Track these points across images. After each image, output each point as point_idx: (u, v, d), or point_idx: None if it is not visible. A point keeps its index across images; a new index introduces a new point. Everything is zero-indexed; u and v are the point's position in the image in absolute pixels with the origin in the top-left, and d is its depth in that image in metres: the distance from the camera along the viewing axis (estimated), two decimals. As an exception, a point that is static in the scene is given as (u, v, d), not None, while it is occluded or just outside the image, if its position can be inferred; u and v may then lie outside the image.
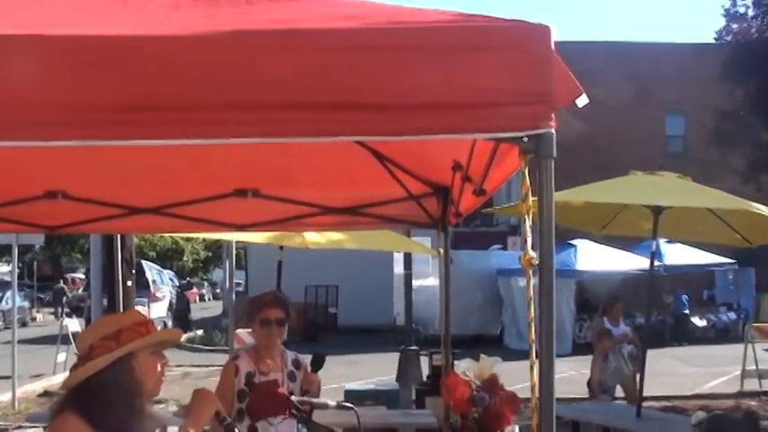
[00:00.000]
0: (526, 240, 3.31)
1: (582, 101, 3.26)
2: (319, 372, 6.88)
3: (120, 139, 3.35)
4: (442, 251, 7.77)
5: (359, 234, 12.80)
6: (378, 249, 16.26)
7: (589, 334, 33.59)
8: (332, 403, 4.79)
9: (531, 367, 3.45)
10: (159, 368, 4.12)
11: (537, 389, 3.44)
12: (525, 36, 3.26)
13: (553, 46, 3.21)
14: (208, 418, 4.14)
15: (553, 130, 3.22)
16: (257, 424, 6.67)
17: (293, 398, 4.74)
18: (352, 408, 4.78)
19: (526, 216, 3.30)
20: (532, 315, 3.43)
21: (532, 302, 3.45)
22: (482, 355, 5.69)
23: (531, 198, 3.29)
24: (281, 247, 13.38)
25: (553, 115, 3.22)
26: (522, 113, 3.21)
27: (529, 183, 3.30)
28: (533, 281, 3.45)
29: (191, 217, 7.88)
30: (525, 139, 3.24)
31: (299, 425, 6.99)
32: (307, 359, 7.28)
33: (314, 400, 4.82)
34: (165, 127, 3.31)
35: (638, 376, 13.32)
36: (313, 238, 12.29)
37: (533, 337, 3.43)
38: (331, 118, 3.22)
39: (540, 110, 3.22)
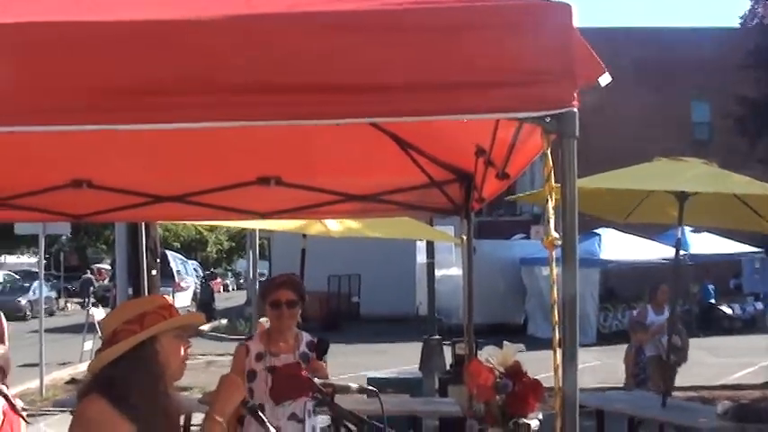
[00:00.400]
0: (549, 221, 3.29)
1: (605, 79, 3.24)
2: (333, 360, 6.89)
3: (138, 122, 3.33)
4: (465, 238, 7.76)
5: (382, 222, 12.78)
6: (400, 238, 16.23)
7: (614, 323, 33.72)
8: (354, 386, 4.79)
9: (554, 350, 3.44)
10: (182, 351, 4.16)
11: (560, 372, 3.43)
12: (547, 14, 3.23)
13: (575, 24, 3.19)
14: (234, 406, 4.16)
15: (576, 109, 3.21)
16: (266, 404, 6.68)
17: (316, 380, 4.74)
18: (375, 391, 4.79)
19: (549, 197, 3.29)
20: (555, 296, 3.42)
21: (555, 285, 3.44)
22: (505, 343, 5.68)
23: (553, 179, 3.28)
24: (304, 236, 13.37)
25: (575, 94, 3.20)
26: (544, 93, 3.19)
27: (551, 164, 3.28)
28: (557, 269, 3.44)
29: (214, 205, 7.89)
30: (548, 119, 3.22)
31: (313, 408, 7.02)
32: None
33: (336, 383, 4.81)
34: (181, 111, 3.29)
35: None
36: (335, 226, 12.29)
37: (556, 320, 3.42)
38: (352, 100, 3.21)
39: (563, 89, 3.19)
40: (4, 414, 7.21)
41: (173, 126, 3.36)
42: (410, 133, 6.58)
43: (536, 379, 5.52)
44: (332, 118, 3.35)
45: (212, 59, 3.24)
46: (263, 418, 4.31)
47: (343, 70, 3.21)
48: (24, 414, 7.54)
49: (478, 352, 6.70)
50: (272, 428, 4.34)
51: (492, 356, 5.62)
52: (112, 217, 8.53)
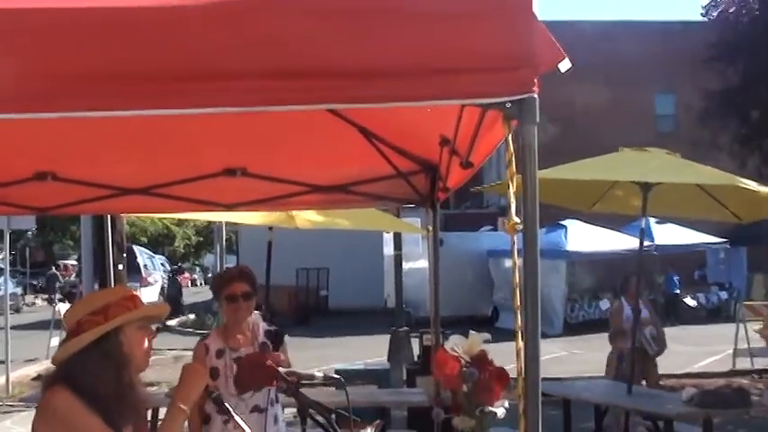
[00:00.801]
0: (510, 207, 3.32)
1: (564, 65, 3.27)
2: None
3: (108, 109, 3.33)
4: (431, 229, 7.78)
5: (349, 214, 12.80)
6: (368, 230, 16.26)
7: (581, 314, 33.85)
8: (319, 375, 4.82)
9: (516, 335, 3.47)
10: (147, 342, 4.17)
11: (522, 359, 3.46)
12: (507, 1, 3.26)
13: (535, 11, 3.21)
14: (198, 393, 4.18)
15: (536, 95, 3.23)
16: (226, 399, 6.67)
17: (280, 369, 4.75)
18: (340, 379, 4.80)
19: (510, 183, 3.32)
20: (516, 282, 3.46)
21: (517, 272, 3.47)
22: (471, 332, 5.69)
23: (514, 165, 3.30)
24: (271, 228, 13.36)
25: (536, 80, 3.22)
26: (504, 78, 3.20)
27: (513, 150, 3.31)
28: (519, 262, 3.47)
29: (180, 197, 7.87)
30: (508, 105, 3.23)
31: (276, 396, 7.02)
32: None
33: (300, 371, 4.82)
34: (136, 98, 3.29)
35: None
36: (303, 217, 12.29)
37: (518, 304, 3.46)
38: (313, 85, 3.21)
39: (523, 75, 3.20)
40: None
41: (127, 113, 3.35)
42: (376, 124, 6.60)
43: (502, 367, 5.54)
44: (290, 104, 3.34)
45: (170, 46, 3.25)
46: (228, 407, 4.32)
47: (301, 55, 3.21)
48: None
49: (445, 342, 6.74)
50: (237, 417, 4.34)
51: (458, 345, 5.64)
52: (78, 209, 8.49)
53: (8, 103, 3.26)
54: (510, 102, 3.23)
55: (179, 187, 7.69)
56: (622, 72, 44.20)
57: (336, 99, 3.31)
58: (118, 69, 3.24)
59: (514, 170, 3.31)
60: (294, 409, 6.36)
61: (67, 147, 6.81)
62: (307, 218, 12.32)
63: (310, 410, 4.77)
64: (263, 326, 7.27)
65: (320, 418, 4.80)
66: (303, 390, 4.99)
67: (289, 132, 6.73)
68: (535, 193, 3.28)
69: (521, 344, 3.45)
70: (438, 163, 6.67)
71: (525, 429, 3.49)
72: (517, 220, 3.31)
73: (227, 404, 4.34)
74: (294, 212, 11.87)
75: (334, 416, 4.77)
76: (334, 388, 8.11)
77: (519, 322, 3.46)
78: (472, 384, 5.44)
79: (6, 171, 7.29)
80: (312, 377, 4.76)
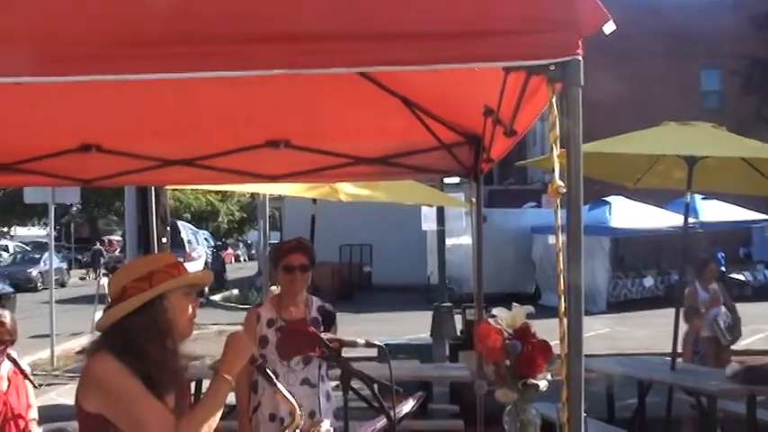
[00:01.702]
0: (554, 170, 3.29)
1: (609, 27, 3.23)
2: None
3: (138, 72, 3.32)
4: (474, 201, 7.76)
5: (393, 187, 12.79)
6: (411, 206, 16.18)
7: (624, 292, 33.70)
8: (361, 341, 4.79)
9: (560, 319, 3.45)
10: (191, 309, 4.17)
11: (566, 337, 3.44)
12: (551, -37, 3.24)
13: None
14: (242, 363, 4.18)
15: (580, 58, 3.20)
16: (278, 370, 6.69)
17: (323, 335, 4.75)
18: (382, 345, 4.79)
19: (554, 145, 3.29)
20: (561, 265, 3.43)
21: (561, 253, 3.45)
22: (514, 304, 5.67)
23: (558, 129, 3.27)
24: (314, 201, 13.33)
25: (580, 42, 3.19)
26: (548, 41, 3.18)
27: (557, 113, 3.28)
28: (562, 238, 3.45)
29: (223, 168, 7.90)
30: (552, 68, 3.21)
31: (325, 370, 7.04)
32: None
33: (343, 338, 4.81)
34: (184, 60, 3.28)
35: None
36: (346, 190, 12.27)
37: (562, 288, 3.43)
38: (356, 48, 3.20)
39: (567, 37, 3.18)
40: (9, 379, 7.27)
41: (156, 76, 3.34)
42: (419, 95, 6.59)
43: (544, 340, 5.52)
44: (333, 66, 3.32)
45: (201, 8, 3.25)
46: (273, 376, 4.32)
47: (343, 17, 3.20)
48: (33, 379, 7.60)
49: (488, 317, 6.72)
50: (282, 387, 4.34)
51: (501, 318, 5.62)
52: (121, 181, 8.53)
53: (51, 66, 3.26)
54: (554, 64, 3.21)
55: (222, 159, 7.72)
56: (669, 47, 43.86)
57: (381, 61, 3.28)
58: (142, 33, 3.24)
59: (558, 133, 3.28)
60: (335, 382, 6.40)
61: (111, 119, 6.87)
62: (350, 191, 12.30)
63: (351, 383, 4.77)
64: (316, 301, 7.29)
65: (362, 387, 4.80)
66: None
67: (332, 104, 6.75)
68: (579, 158, 3.25)
69: (564, 329, 3.42)
70: (482, 134, 6.64)
71: (567, 399, 3.47)
72: (561, 183, 3.28)
73: (270, 373, 4.33)
74: (337, 185, 11.85)
75: (376, 386, 4.76)
76: (377, 362, 8.15)
77: (562, 306, 3.43)
78: (515, 357, 5.42)
79: (51, 143, 7.37)
80: (354, 343, 4.75)
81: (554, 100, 3.30)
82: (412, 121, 6.87)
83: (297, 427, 4.29)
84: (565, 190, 3.26)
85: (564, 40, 3.18)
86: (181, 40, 3.25)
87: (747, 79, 32.70)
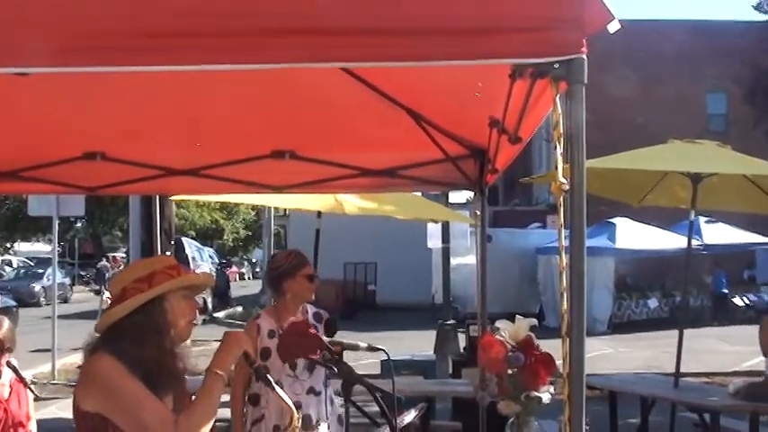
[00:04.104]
0: (557, 167, 3.29)
1: (613, 26, 3.23)
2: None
3: (149, 64, 3.32)
4: (479, 213, 7.77)
5: (398, 202, 12.78)
6: (417, 220, 16.13)
7: (628, 313, 33.66)
8: (363, 345, 4.79)
9: (563, 339, 3.44)
10: (191, 312, 4.17)
11: (568, 356, 3.43)
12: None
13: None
14: (234, 360, 4.14)
15: (584, 56, 3.20)
16: (283, 380, 6.71)
17: (324, 338, 4.74)
18: (383, 349, 4.78)
19: (557, 143, 3.29)
20: (564, 285, 3.42)
21: (564, 273, 3.44)
22: (518, 316, 5.68)
23: (561, 127, 3.27)
24: (319, 215, 13.30)
25: (584, 41, 3.19)
26: (553, 39, 3.18)
27: (560, 111, 3.28)
28: (566, 259, 3.44)
29: (228, 178, 7.92)
30: (556, 66, 3.21)
31: (328, 378, 7.03)
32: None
33: (345, 341, 4.80)
34: (185, 52, 3.28)
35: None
36: (351, 203, 12.25)
37: (565, 308, 3.43)
38: (361, 43, 3.20)
39: (571, 35, 3.18)
40: (11, 387, 7.26)
41: (163, 68, 3.33)
42: (425, 107, 6.60)
43: (548, 353, 5.51)
44: (332, 61, 3.34)
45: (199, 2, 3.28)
46: (270, 379, 4.30)
47: (345, 13, 3.20)
48: (33, 387, 7.58)
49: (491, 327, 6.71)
50: (279, 390, 4.33)
51: (504, 330, 5.62)
52: (126, 190, 8.54)
53: (62, 57, 3.26)
54: (558, 62, 3.21)
55: (227, 169, 7.74)
56: (673, 70, 43.86)
57: (384, 57, 3.29)
58: (148, 25, 3.25)
59: (561, 131, 3.28)
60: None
61: (117, 127, 6.88)
62: (355, 204, 12.30)
63: (353, 398, 4.75)
64: (310, 308, 7.28)
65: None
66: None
67: (337, 115, 6.76)
68: (582, 157, 3.25)
69: (567, 349, 3.41)
70: (487, 146, 6.65)
71: (569, 419, 3.45)
72: (564, 180, 3.27)
73: (268, 376, 4.32)
74: (343, 199, 11.84)
75: (379, 394, 4.75)
76: (379, 378, 8.14)
77: (566, 323, 3.43)
78: (518, 369, 5.41)
79: (56, 150, 7.38)
80: (356, 346, 4.75)
81: (557, 99, 3.30)
82: (417, 133, 6.88)
83: (295, 430, 4.27)
84: (567, 187, 3.26)
85: (568, 39, 3.18)
86: (173, 33, 3.24)
87: (753, 102, 32.69)
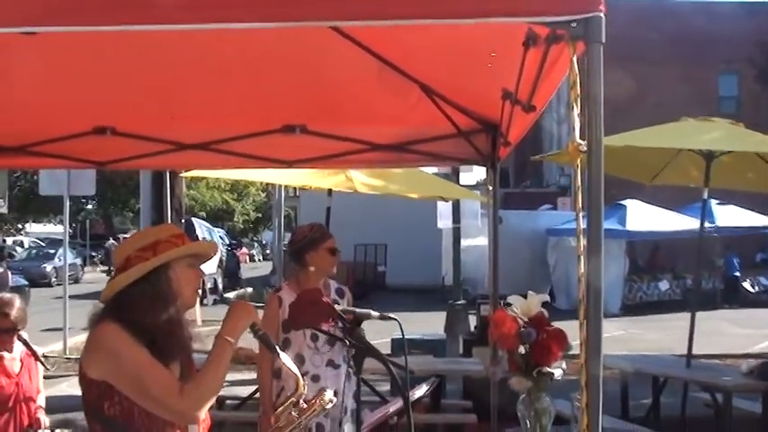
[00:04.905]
0: (574, 128, 3.24)
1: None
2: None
3: (151, 23, 3.28)
4: (491, 189, 7.72)
5: (408, 180, 12.74)
6: (427, 197, 16.02)
7: (639, 295, 33.58)
8: (375, 314, 4.74)
9: (581, 324, 3.39)
10: (196, 280, 4.14)
11: (585, 340, 3.38)
12: None
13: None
14: (244, 328, 4.11)
15: (602, 14, 3.14)
16: (305, 353, 6.70)
17: (337, 307, 4.70)
18: (395, 319, 4.74)
19: (574, 104, 3.23)
20: (582, 270, 3.37)
21: (582, 258, 3.39)
22: (530, 292, 5.64)
23: (578, 87, 3.22)
24: (330, 193, 13.25)
25: (603, -1, 3.14)
26: (570, -3, 3.14)
27: (577, 72, 3.23)
28: (583, 241, 3.38)
29: (238, 153, 7.89)
30: (574, 24, 3.15)
31: (346, 354, 6.98)
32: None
33: (357, 309, 4.76)
34: (175, 12, 3.23)
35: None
36: (361, 181, 12.21)
37: (583, 291, 3.38)
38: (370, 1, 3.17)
39: (588, -6, 3.13)
40: (22, 361, 7.26)
41: (144, 28, 3.29)
42: (437, 81, 6.56)
43: (560, 329, 5.47)
44: (345, 19, 3.30)
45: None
46: (274, 344, 4.28)
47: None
48: (43, 360, 7.58)
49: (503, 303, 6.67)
50: (285, 357, 4.29)
51: (516, 306, 5.58)
52: (136, 164, 8.49)
53: (63, 15, 3.22)
54: (575, 21, 3.15)
55: (237, 143, 7.71)
56: (686, 52, 43.67)
57: (395, 15, 3.24)
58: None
59: (578, 92, 3.23)
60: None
61: (127, 102, 6.87)
62: (365, 181, 12.25)
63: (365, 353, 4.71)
64: (332, 283, 7.26)
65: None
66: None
67: (349, 89, 6.72)
68: (600, 119, 3.19)
69: (584, 334, 3.36)
70: (499, 121, 6.60)
71: (587, 403, 3.40)
72: (581, 142, 3.22)
73: (272, 341, 4.30)
74: (353, 175, 11.80)
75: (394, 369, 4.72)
76: (390, 357, 8.10)
77: (583, 308, 3.37)
78: (530, 345, 5.38)
79: (66, 125, 7.38)
80: (368, 315, 4.69)
81: (574, 59, 3.25)
82: (428, 107, 6.84)
83: (301, 397, 4.24)
84: (585, 148, 3.20)
85: (587, -3, 3.13)
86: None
87: (765, 84, 32.58)
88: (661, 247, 34.36)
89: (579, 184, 3.34)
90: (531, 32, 3.82)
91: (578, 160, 3.25)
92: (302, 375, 4.28)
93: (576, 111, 3.23)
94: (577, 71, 3.21)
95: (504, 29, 4.08)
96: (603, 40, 3.14)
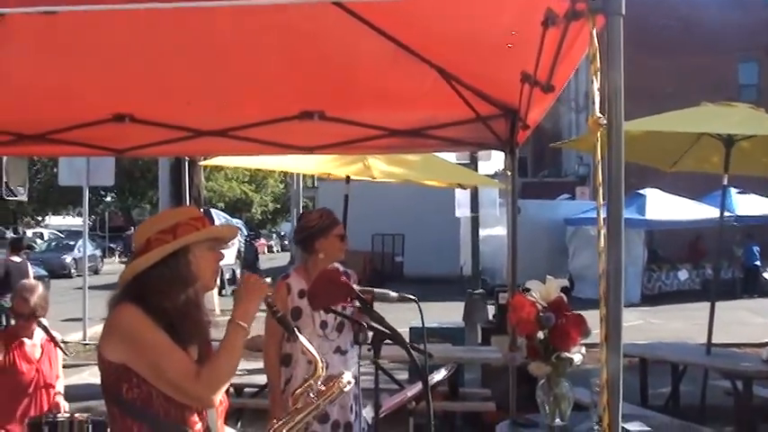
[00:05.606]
0: (594, 102, 3.21)
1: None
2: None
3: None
4: (510, 174, 7.70)
5: (426, 167, 12.72)
6: (445, 184, 15.95)
7: (658, 285, 33.48)
8: (393, 294, 4.73)
9: (601, 319, 3.35)
10: (215, 263, 4.12)
11: (605, 328, 3.35)
12: None
13: None
14: (256, 309, 4.09)
15: (621, -13, 3.11)
16: (312, 339, 6.68)
17: (355, 287, 4.68)
18: (414, 299, 4.72)
19: (594, 78, 3.21)
20: (604, 263, 3.34)
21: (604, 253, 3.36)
22: (548, 277, 5.64)
23: (598, 60, 3.20)
24: (348, 179, 13.20)
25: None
26: (590, -32, 3.10)
27: (597, 45, 3.20)
28: (603, 229, 3.35)
29: (256, 139, 7.88)
30: (594, -4, 3.13)
31: (353, 340, 6.97)
32: None
33: (375, 290, 4.74)
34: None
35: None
36: (379, 168, 12.19)
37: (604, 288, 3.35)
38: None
39: (609, -36, 3.10)
40: (42, 347, 7.29)
41: (161, 5, 3.28)
42: (455, 65, 6.53)
43: (579, 314, 5.46)
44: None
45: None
46: (293, 326, 4.26)
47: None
48: (63, 347, 7.59)
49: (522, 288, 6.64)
50: (304, 339, 4.29)
51: (535, 291, 5.58)
52: (154, 151, 8.50)
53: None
54: (596, -7, 3.13)
55: (255, 130, 7.70)
56: (704, 40, 43.48)
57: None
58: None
59: (599, 65, 3.20)
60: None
61: (145, 89, 6.87)
62: (383, 169, 12.23)
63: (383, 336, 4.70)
64: (339, 268, 7.25)
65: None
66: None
67: (366, 75, 6.71)
68: (620, 93, 3.16)
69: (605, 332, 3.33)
70: (518, 106, 6.57)
71: (606, 382, 3.37)
72: (600, 115, 3.19)
73: (291, 323, 4.29)
74: (371, 163, 11.78)
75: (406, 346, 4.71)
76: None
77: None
78: (548, 329, 5.37)
79: (85, 112, 7.39)
80: (387, 296, 4.68)
81: (594, 32, 3.22)
82: (446, 92, 6.81)
83: (319, 379, 4.23)
84: (605, 122, 3.17)
85: (607, -31, 3.11)
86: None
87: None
88: (680, 237, 34.18)
89: (600, 159, 3.30)
90: (549, 12, 3.80)
91: (598, 134, 3.22)
92: (309, 363, 4.27)
93: (597, 85, 3.20)
94: (597, 45, 3.19)
95: (522, 10, 4.06)
96: (623, 12, 3.11)
